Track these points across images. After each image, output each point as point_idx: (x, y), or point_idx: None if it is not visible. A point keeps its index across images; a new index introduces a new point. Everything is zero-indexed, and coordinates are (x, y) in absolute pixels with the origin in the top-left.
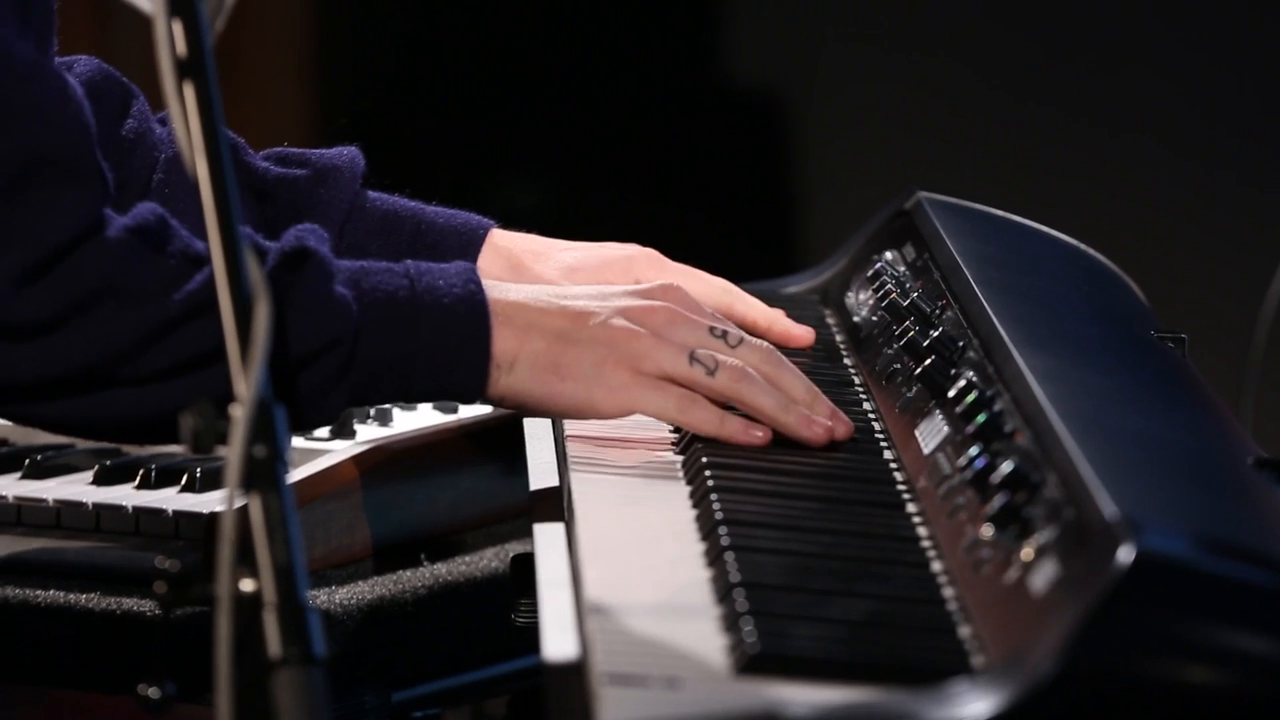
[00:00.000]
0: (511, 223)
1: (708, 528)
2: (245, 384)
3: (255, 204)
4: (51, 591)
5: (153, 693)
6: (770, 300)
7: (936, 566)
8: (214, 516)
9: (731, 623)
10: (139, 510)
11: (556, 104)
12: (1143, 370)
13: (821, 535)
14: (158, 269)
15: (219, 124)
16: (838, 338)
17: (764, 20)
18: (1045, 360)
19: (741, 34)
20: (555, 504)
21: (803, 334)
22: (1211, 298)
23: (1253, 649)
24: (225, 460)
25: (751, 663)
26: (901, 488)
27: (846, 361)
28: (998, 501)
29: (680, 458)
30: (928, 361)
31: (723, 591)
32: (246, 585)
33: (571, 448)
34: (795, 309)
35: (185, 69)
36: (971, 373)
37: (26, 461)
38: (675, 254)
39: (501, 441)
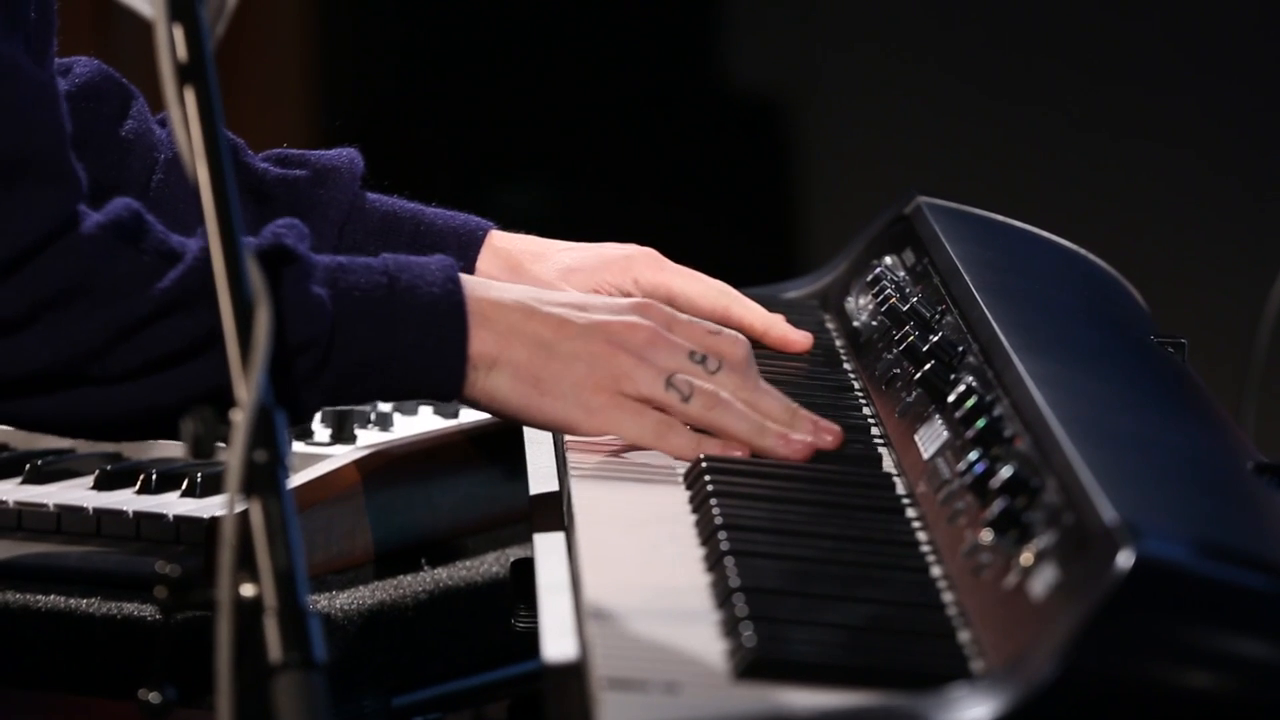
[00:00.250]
0: (512, 225)
1: (707, 532)
2: (246, 388)
3: (255, 205)
4: (52, 596)
5: (153, 697)
6: (770, 305)
7: (936, 571)
8: (215, 521)
9: (731, 627)
10: (139, 515)
11: (557, 107)
12: (1142, 375)
13: (821, 540)
14: (130, 265)
15: (219, 128)
16: (837, 342)
17: (764, 25)
18: (1045, 365)
19: (742, 38)
20: (555, 509)
21: (800, 339)
22: (1213, 303)
23: (1252, 654)
24: (226, 465)
25: (751, 667)
26: (901, 492)
27: (846, 366)
28: (997, 506)
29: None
30: (927, 366)
31: (722, 596)
32: (247, 590)
33: (571, 452)
34: (795, 314)
35: (186, 73)
36: (971, 378)
37: (27, 466)
38: (675, 258)
39: (502, 446)
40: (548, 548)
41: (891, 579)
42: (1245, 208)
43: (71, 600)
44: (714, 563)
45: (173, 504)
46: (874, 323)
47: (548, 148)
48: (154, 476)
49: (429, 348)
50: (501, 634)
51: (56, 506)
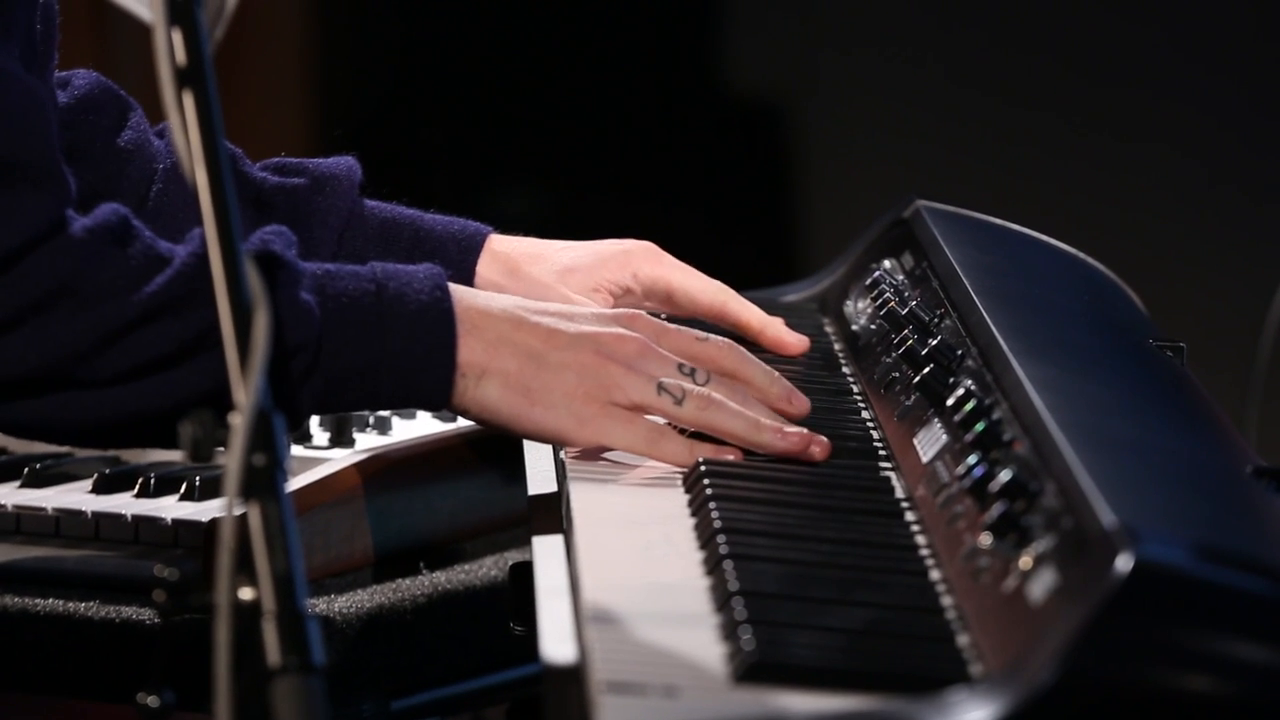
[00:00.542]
0: (511, 229)
1: (706, 536)
2: (244, 392)
3: (254, 213)
4: (51, 600)
5: (152, 701)
6: (769, 309)
7: (935, 575)
8: (213, 525)
9: (730, 631)
10: (138, 519)
11: (556, 111)
12: (1141, 379)
13: (820, 544)
14: (118, 269)
15: (218, 133)
16: (836, 346)
17: (763, 28)
18: (1044, 369)
19: (741, 42)
20: (554, 513)
21: (795, 341)
22: (1215, 307)
23: (1251, 657)
24: (224, 468)
25: (750, 671)
26: (900, 496)
27: (845, 370)
28: (996, 510)
29: None
30: (926, 370)
31: (721, 600)
32: (246, 594)
33: (569, 456)
34: (793, 317)
35: (185, 78)
36: (970, 381)
37: (25, 470)
38: None
39: (500, 450)
40: (547, 551)
41: (890, 583)
42: (1247, 212)
43: (70, 604)
44: (713, 566)
45: (171, 507)
46: (873, 326)
47: (546, 151)
48: (153, 480)
49: (417, 355)
50: (500, 637)
51: (55, 510)
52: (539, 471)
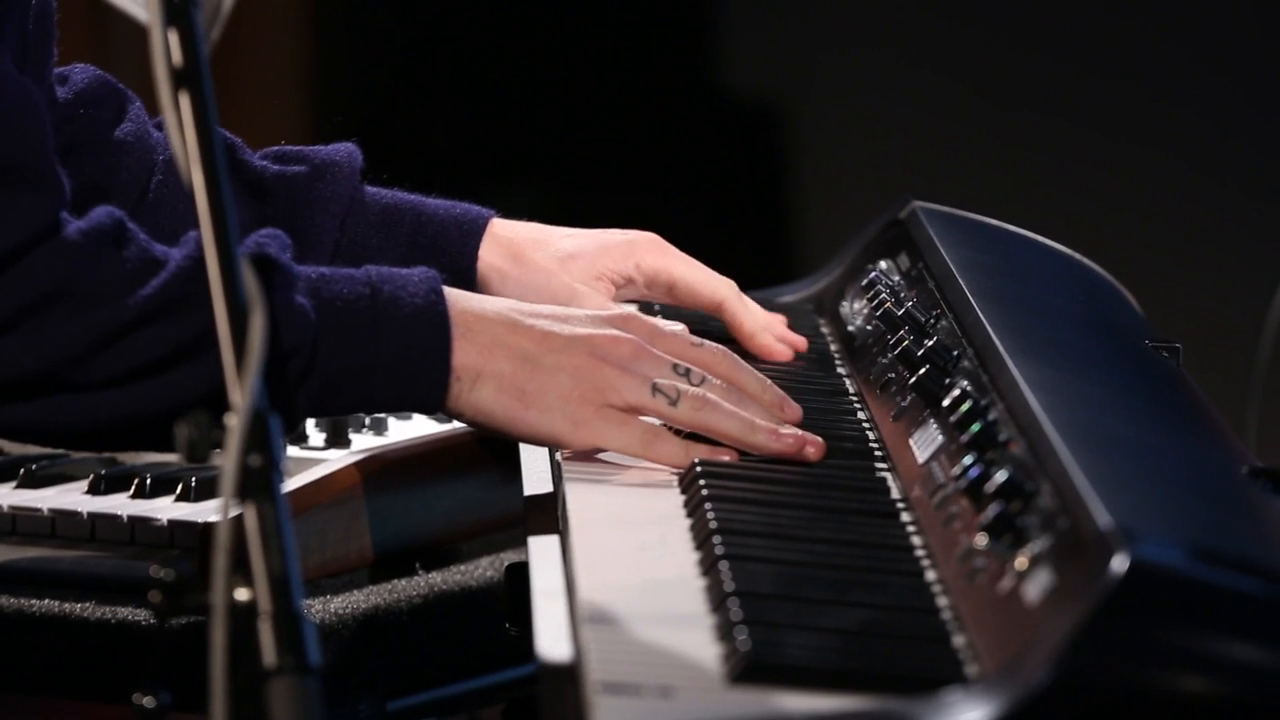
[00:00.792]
0: None
1: (702, 537)
2: (240, 393)
3: (255, 203)
4: (46, 601)
5: (148, 702)
6: (765, 309)
7: (931, 575)
8: (209, 526)
9: (726, 631)
10: (134, 519)
11: (553, 110)
12: (1137, 379)
13: (815, 544)
14: (111, 273)
15: (214, 132)
16: (832, 347)
17: (760, 29)
18: (1040, 369)
19: (737, 43)
20: (550, 514)
21: (782, 351)
22: (1213, 308)
23: (1247, 658)
24: (220, 469)
25: (745, 672)
26: (895, 497)
27: (841, 371)
28: (992, 511)
29: None
30: (922, 371)
31: (717, 600)
32: (241, 594)
33: (566, 457)
34: (790, 318)
35: (181, 78)
36: (966, 382)
37: (21, 471)
38: None
39: (496, 451)
40: (542, 551)
41: (886, 583)
42: (1244, 213)
43: (66, 605)
44: (708, 567)
45: (167, 508)
46: (869, 327)
47: (542, 152)
48: (148, 481)
49: (412, 359)
50: (496, 638)
51: (51, 511)
52: (535, 472)
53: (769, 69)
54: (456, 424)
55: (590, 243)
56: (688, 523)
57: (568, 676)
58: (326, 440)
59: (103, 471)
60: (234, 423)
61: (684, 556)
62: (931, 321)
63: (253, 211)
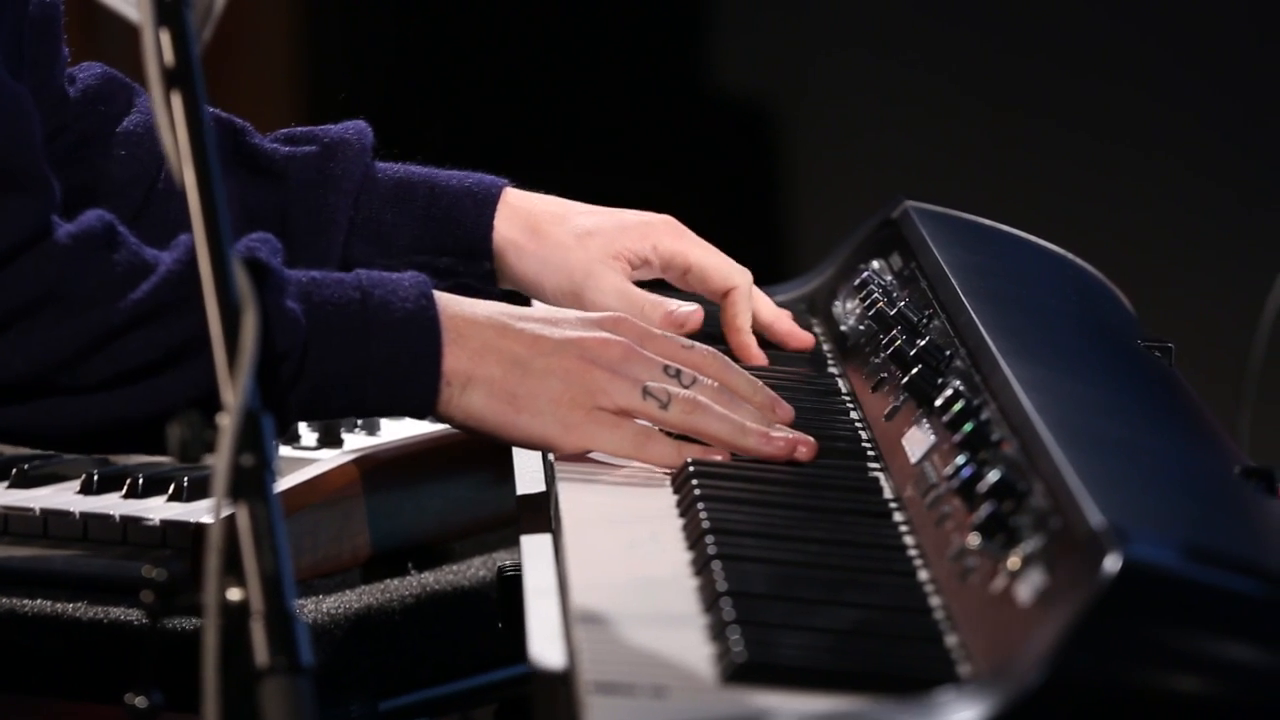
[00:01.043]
0: None
1: (694, 536)
2: (232, 392)
3: (267, 185)
4: (39, 601)
5: (140, 702)
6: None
7: (923, 575)
8: (201, 525)
9: (718, 631)
10: (126, 519)
11: (545, 109)
12: (1130, 379)
13: (808, 544)
14: (101, 277)
15: (207, 133)
16: (825, 347)
17: (752, 29)
18: (1032, 369)
19: (730, 43)
20: (542, 514)
21: (758, 354)
22: (1206, 308)
23: (1239, 657)
24: (212, 469)
25: (738, 671)
26: (888, 496)
27: (833, 370)
28: (984, 510)
29: None
30: (914, 370)
31: (709, 600)
32: (234, 594)
33: (558, 458)
34: None
35: (173, 78)
36: (958, 382)
37: (13, 470)
38: None
39: (489, 451)
40: (535, 552)
41: (879, 583)
42: (1237, 213)
43: (58, 605)
44: (701, 567)
45: (159, 508)
46: (861, 327)
47: (536, 151)
48: (141, 481)
49: (403, 364)
50: (488, 638)
51: (43, 511)
52: (527, 472)
53: (762, 69)
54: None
55: (608, 221)
56: (680, 522)
57: (560, 677)
58: (319, 440)
59: (95, 471)
60: (226, 422)
61: (677, 556)
62: (924, 321)
63: (265, 194)
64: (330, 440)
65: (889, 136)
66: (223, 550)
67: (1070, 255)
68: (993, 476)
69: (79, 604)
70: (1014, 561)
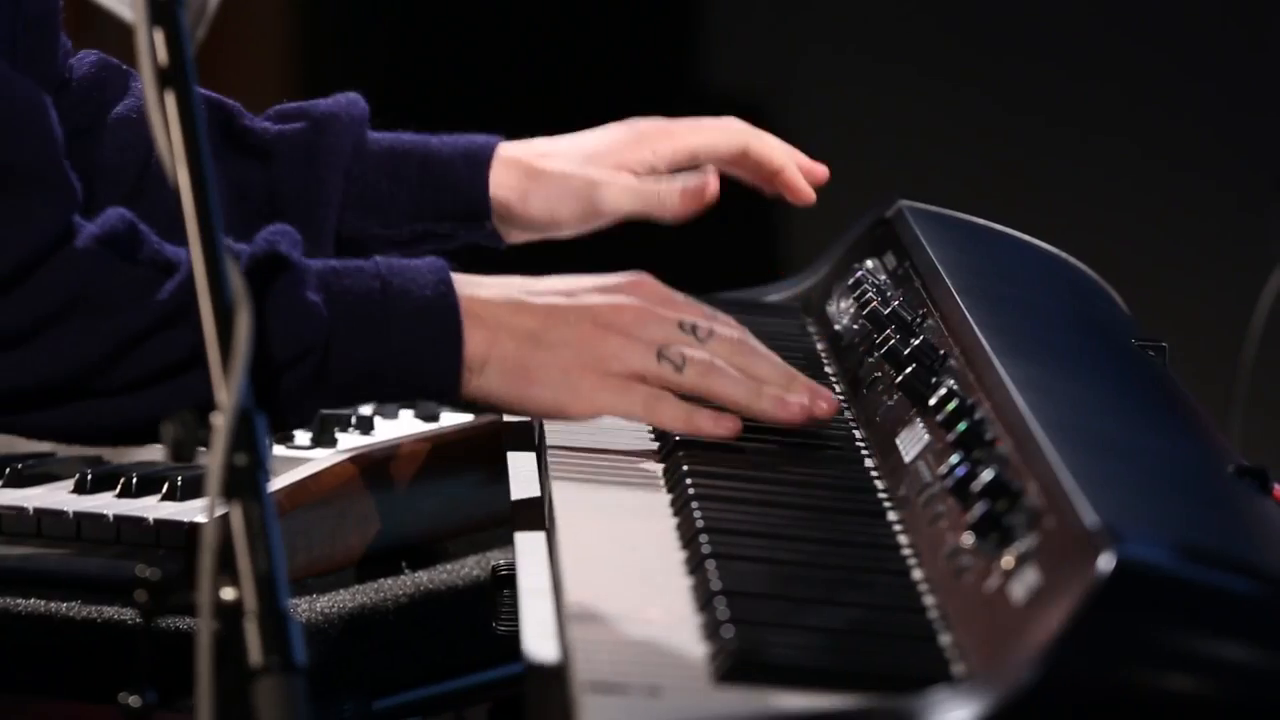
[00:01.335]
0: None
1: (688, 536)
2: (226, 391)
3: (260, 165)
4: (32, 600)
5: (134, 701)
6: (751, 308)
7: (917, 574)
8: (195, 525)
9: (712, 631)
10: (120, 519)
11: (536, 109)
12: (1124, 378)
13: (802, 543)
14: (127, 279)
15: (201, 133)
16: (818, 346)
17: (744, 27)
18: (1026, 369)
19: (722, 41)
20: (537, 512)
21: (822, 171)
22: (1202, 308)
23: (1234, 657)
24: (206, 468)
25: (732, 671)
26: (882, 496)
27: (827, 370)
28: (978, 509)
29: (661, 466)
30: (908, 370)
31: (703, 599)
32: (227, 593)
33: (553, 456)
34: (776, 317)
35: (166, 78)
36: (952, 381)
37: (6, 470)
38: (656, 263)
39: (483, 450)
40: (529, 551)
41: (873, 582)
42: (1231, 212)
43: (51, 604)
44: (695, 566)
45: (153, 508)
46: (855, 326)
47: None
48: (134, 480)
49: (424, 351)
50: (482, 637)
51: (36, 510)
52: (521, 470)
53: (754, 67)
54: (442, 424)
55: (603, 143)
56: (674, 521)
57: (554, 676)
58: (313, 439)
59: (88, 471)
60: (220, 422)
61: (671, 555)
62: (918, 321)
63: (258, 174)
64: (324, 439)
65: (883, 135)
66: (216, 550)
67: (1064, 254)
68: (987, 476)
69: (72, 603)
70: (1008, 561)
